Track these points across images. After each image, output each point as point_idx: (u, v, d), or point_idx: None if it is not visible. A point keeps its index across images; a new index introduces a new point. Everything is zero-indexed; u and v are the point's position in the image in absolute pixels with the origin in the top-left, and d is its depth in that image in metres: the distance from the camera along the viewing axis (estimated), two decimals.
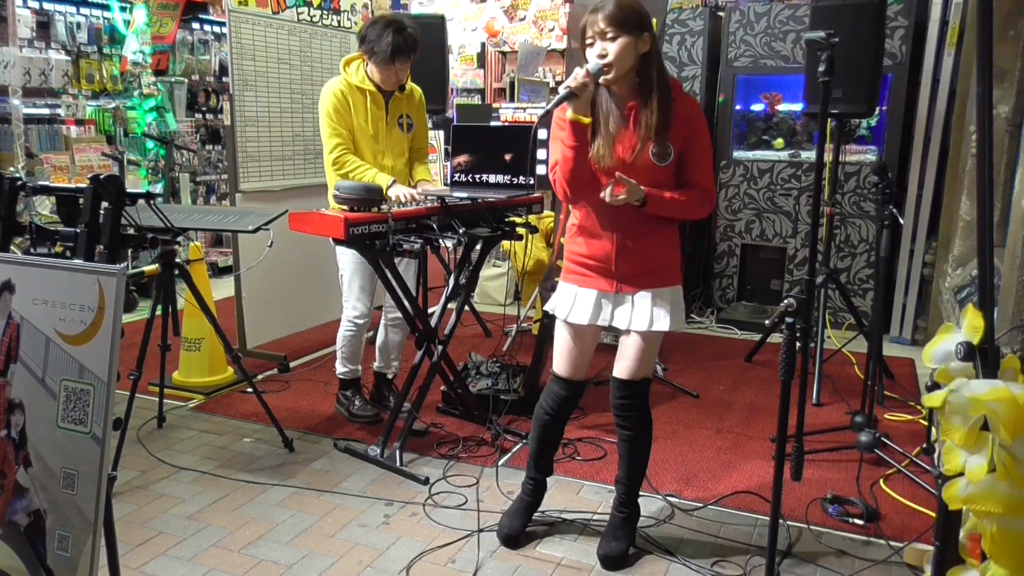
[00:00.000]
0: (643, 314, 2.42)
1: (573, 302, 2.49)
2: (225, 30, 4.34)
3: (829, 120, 4.35)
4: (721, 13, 5.61)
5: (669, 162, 2.36)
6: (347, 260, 3.44)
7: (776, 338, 4.79)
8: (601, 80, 2.28)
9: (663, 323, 2.41)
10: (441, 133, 8.34)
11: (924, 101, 4.98)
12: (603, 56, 2.26)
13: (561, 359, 2.57)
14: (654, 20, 4.25)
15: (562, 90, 2.26)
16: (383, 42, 3.26)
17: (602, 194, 2.33)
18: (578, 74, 2.24)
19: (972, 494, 1.28)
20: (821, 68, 2.10)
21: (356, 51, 3.48)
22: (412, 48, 3.34)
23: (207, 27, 7.15)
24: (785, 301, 1.95)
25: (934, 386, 1.37)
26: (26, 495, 1.76)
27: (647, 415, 2.52)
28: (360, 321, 3.52)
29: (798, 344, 2.11)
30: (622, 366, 2.48)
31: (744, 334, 5.24)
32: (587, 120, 2.30)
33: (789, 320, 1.93)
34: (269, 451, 3.35)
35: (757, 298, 5.63)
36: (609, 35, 2.25)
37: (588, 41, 2.30)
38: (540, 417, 2.64)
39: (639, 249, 2.41)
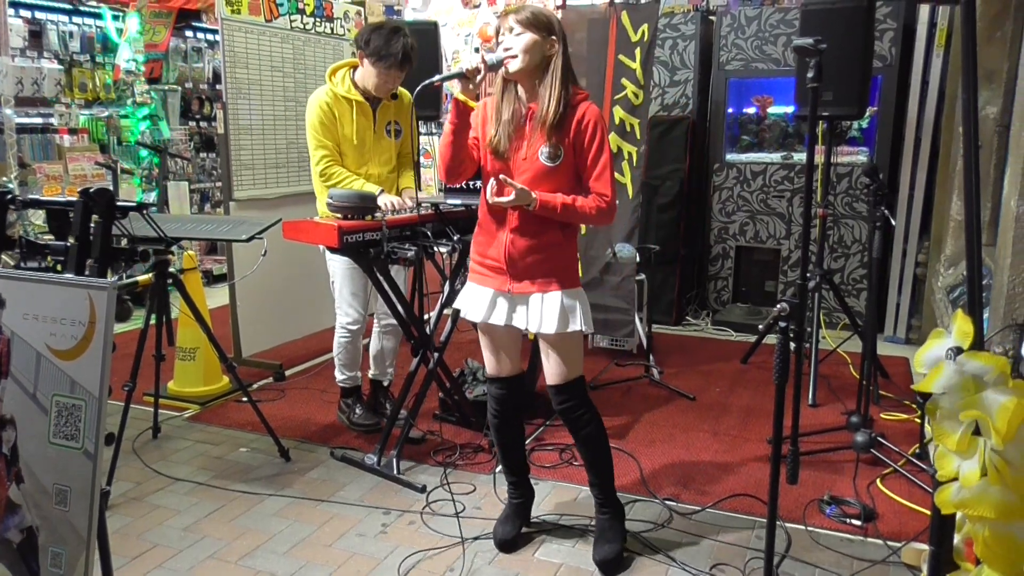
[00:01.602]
0: (535, 316, 2.44)
1: (471, 300, 2.54)
2: (218, 38, 4.33)
3: (820, 122, 4.35)
4: (712, 17, 5.61)
5: (559, 163, 2.38)
6: (336, 267, 3.43)
7: (772, 339, 4.79)
8: (505, 71, 2.37)
9: (550, 325, 2.41)
10: (436, 139, 8.34)
11: (914, 102, 4.99)
12: (508, 49, 2.35)
13: (486, 359, 2.64)
14: (645, 26, 4.28)
15: (455, 68, 2.35)
16: (394, 46, 3.24)
17: (488, 195, 2.38)
18: (471, 61, 2.33)
19: (965, 499, 1.28)
20: (810, 74, 2.10)
21: (347, 58, 3.47)
22: (413, 59, 3.35)
23: (200, 35, 7.15)
24: (778, 305, 1.94)
25: (926, 394, 1.37)
26: (18, 512, 1.74)
27: (591, 411, 2.53)
28: (354, 327, 3.51)
29: (792, 347, 2.11)
30: (548, 372, 2.51)
31: (740, 336, 5.23)
32: (472, 104, 2.41)
33: (782, 324, 1.92)
34: (265, 461, 3.34)
35: (752, 300, 5.63)
36: (516, 31, 2.35)
37: (500, 39, 2.39)
38: (491, 421, 2.70)
39: (530, 251, 2.43)
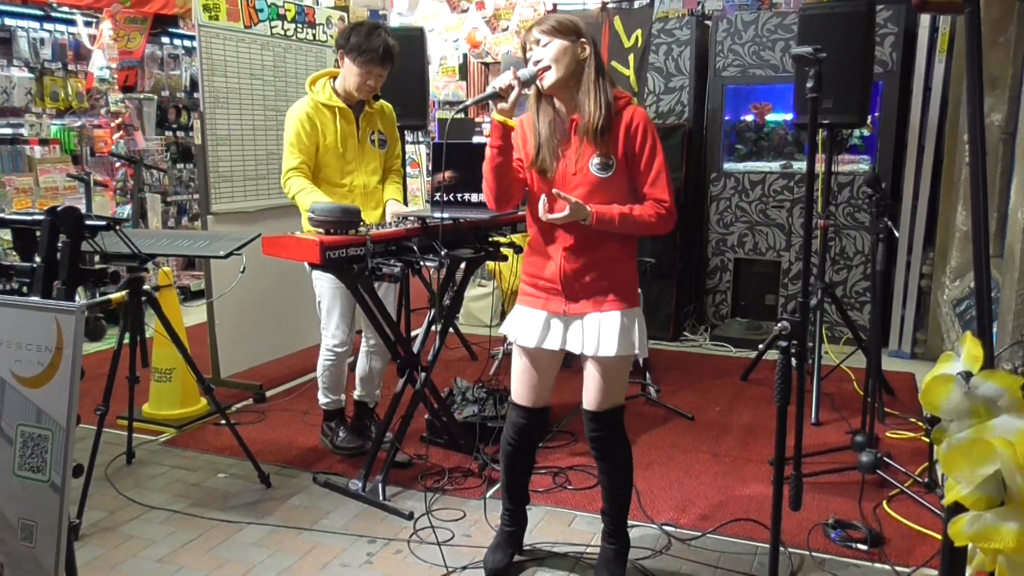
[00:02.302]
0: (592, 338, 2.40)
1: (522, 324, 2.49)
2: (195, 44, 4.31)
3: (820, 130, 4.36)
4: (708, 22, 5.64)
5: (612, 173, 2.36)
6: (324, 286, 3.41)
7: (773, 354, 4.78)
8: (541, 85, 2.35)
9: (610, 347, 2.37)
10: (423, 148, 8.34)
11: (916, 109, 5.02)
12: (538, 62, 2.33)
13: (518, 385, 2.56)
14: (638, 31, 4.29)
15: (489, 88, 2.32)
16: (374, 41, 3.26)
17: (540, 213, 2.35)
18: (504, 76, 2.31)
19: (979, 530, 1.26)
20: (810, 84, 2.10)
21: (329, 67, 3.47)
22: (395, 58, 3.36)
23: (177, 41, 7.13)
24: (779, 324, 1.93)
25: (934, 419, 1.35)
26: None
27: (624, 444, 2.50)
28: (340, 350, 3.49)
29: (794, 364, 2.10)
30: (588, 397, 2.46)
31: (739, 352, 5.23)
32: (512, 123, 2.36)
33: (783, 343, 1.91)
34: (244, 487, 3.30)
35: (752, 314, 5.63)
36: (543, 42, 2.34)
37: (528, 55, 2.37)
38: (504, 447, 2.64)
39: (587, 268, 2.41)
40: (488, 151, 2.37)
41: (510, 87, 2.30)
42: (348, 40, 3.29)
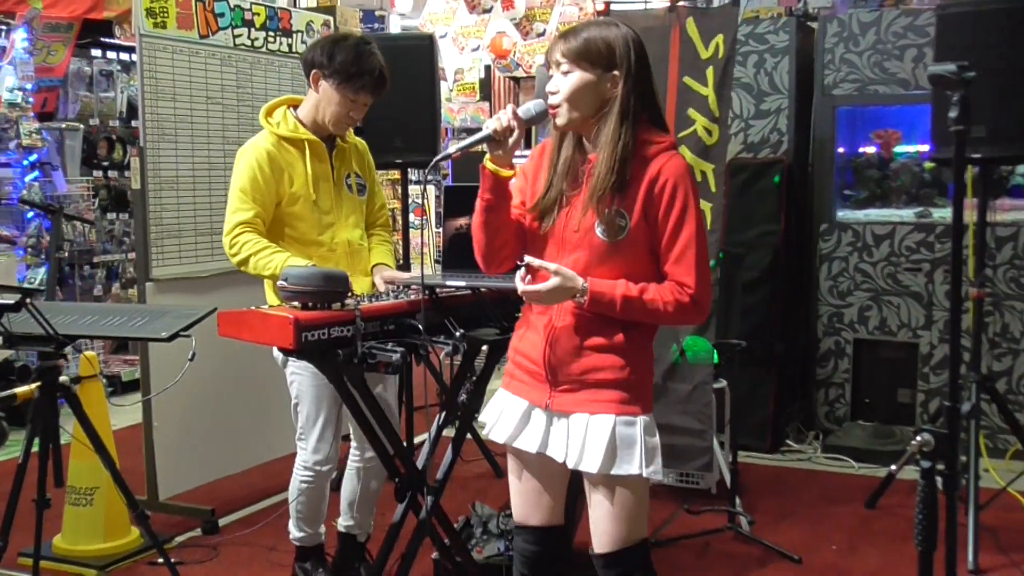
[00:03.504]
0: (575, 444, 2.42)
1: (500, 413, 2.55)
2: (135, 59, 4.45)
3: (970, 167, 4.37)
4: (813, 24, 5.73)
5: (623, 238, 2.39)
6: (304, 382, 3.44)
7: (911, 472, 4.71)
8: (555, 124, 2.43)
9: (593, 461, 2.38)
10: (431, 191, 8.46)
11: None
12: (552, 93, 2.41)
13: (516, 498, 2.62)
14: (719, 37, 4.36)
15: (484, 129, 2.39)
16: (367, 63, 3.34)
17: (516, 282, 2.40)
18: (502, 116, 2.37)
19: None
20: (953, 114, 2.11)
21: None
22: (389, 78, 3.45)
23: (111, 55, 7.33)
24: (918, 438, 1.92)
25: None
26: None
27: None
28: (323, 468, 3.50)
29: (941, 488, 2.08)
30: (593, 532, 2.49)
31: (863, 468, 5.16)
32: (507, 174, 2.43)
33: (925, 464, 1.90)
34: None
35: (879, 415, 5.56)
36: (563, 68, 2.41)
37: (550, 75, 2.46)
38: None
39: (579, 354, 2.44)
40: (477, 203, 2.47)
41: (508, 128, 2.37)
42: (330, 59, 3.35)
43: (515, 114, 2.38)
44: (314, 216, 3.46)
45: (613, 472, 2.40)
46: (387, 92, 3.50)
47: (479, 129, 2.66)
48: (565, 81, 2.40)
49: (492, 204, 2.44)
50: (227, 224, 3.38)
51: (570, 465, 2.44)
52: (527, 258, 2.40)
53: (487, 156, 2.42)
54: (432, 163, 2.60)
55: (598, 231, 2.40)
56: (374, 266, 3.62)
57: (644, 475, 2.41)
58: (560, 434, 2.47)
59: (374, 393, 3.22)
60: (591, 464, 2.40)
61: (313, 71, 3.40)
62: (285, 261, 3.27)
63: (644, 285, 2.39)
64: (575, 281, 2.36)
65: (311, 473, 3.50)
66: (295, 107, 3.52)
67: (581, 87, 2.39)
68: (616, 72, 2.40)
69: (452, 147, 2.51)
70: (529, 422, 2.51)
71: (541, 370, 2.48)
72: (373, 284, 3.54)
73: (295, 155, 3.43)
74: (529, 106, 2.41)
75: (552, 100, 2.41)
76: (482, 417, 2.65)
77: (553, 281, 2.35)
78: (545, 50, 9.62)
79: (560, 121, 2.42)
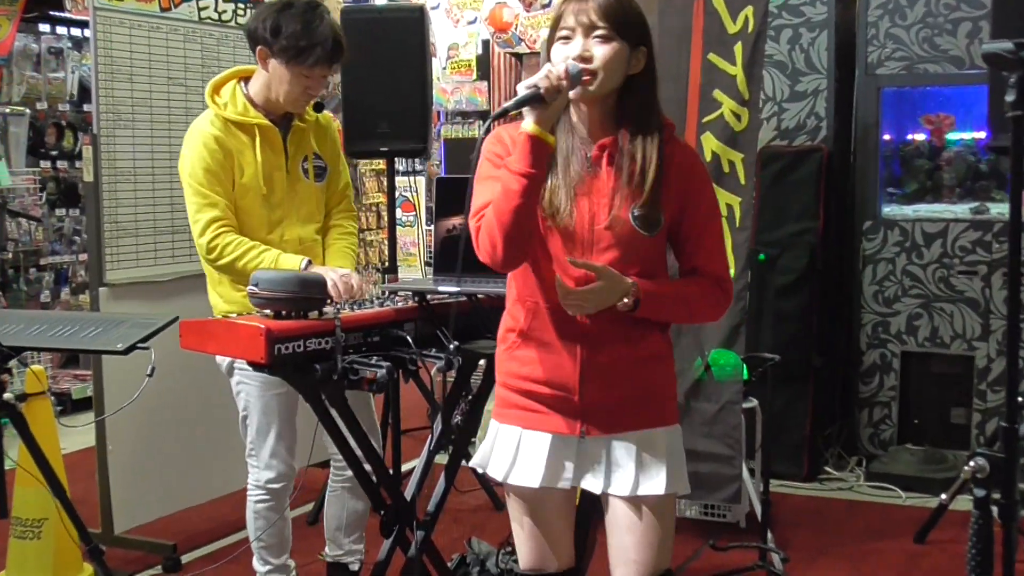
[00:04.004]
0: (626, 471, 2.43)
1: (516, 454, 2.51)
2: (88, 34, 4.45)
3: None
4: None
5: (658, 232, 2.42)
6: (251, 392, 3.46)
7: (965, 502, 4.71)
8: (572, 93, 2.36)
9: (656, 484, 2.42)
10: (422, 183, 8.46)
11: None
12: (585, 59, 2.35)
13: (524, 545, 2.62)
14: (749, 9, 4.37)
15: (523, 89, 2.31)
16: (319, 31, 3.32)
17: (560, 294, 2.36)
18: (551, 71, 2.30)
19: None
20: (1010, 97, 2.11)
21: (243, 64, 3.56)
22: (346, 46, 3.45)
23: (61, 30, 7.33)
24: (972, 462, 1.92)
25: None
26: None
27: None
28: (276, 486, 3.51)
29: (997, 518, 2.08)
30: (622, 559, 2.50)
31: (912, 498, 5.16)
32: (552, 140, 2.37)
33: (979, 492, 1.90)
34: None
35: (931, 438, 5.56)
36: (599, 32, 2.36)
37: (563, 34, 2.40)
38: None
39: (619, 369, 2.44)
40: (512, 181, 2.35)
41: (556, 86, 2.31)
42: (275, 34, 3.33)
43: (566, 71, 2.31)
44: (263, 212, 3.47)
45: (671, 491, 2.45)
46: (345, 60, 3.51)
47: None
48: (602, 48, 2.36)
49: (534, 179, 2.34)
50: (196, 225, 3.38)
51: (622, 493, 2.44)
52: (569, 259, 2.36)
53: (529, 121, 2.32)
54: (493, 117, 2.42)
55: (634, 223, 2.40)
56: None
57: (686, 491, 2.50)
58: (598, 463, 2.47)
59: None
60: (654, 486, 2.42)
61: (258, 48, 3.39)
62: (277, 259, 3.30)
63: (679, 281, 2.47)
64: (623, 283, 2.34)
65: (263, 492, 3.51)
66: (247, 79, 3.53)
67: (617, 58, 2.37)
68: (644, 48, 2.43)
69: (504, 106, 2.38)
70: (557, 456, 2.48)
71: (571, 395, 2.45)
72: None
73: (245, 142, 3.44)
74: (572, 64, 2.34)
75: (589, 66, 2.35)
76: (475, 461, 2.64)
77: (600, 284, 2.33)
78: (550, 23, 9.63)
79: (592, 88, 2.37)
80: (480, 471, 2.67)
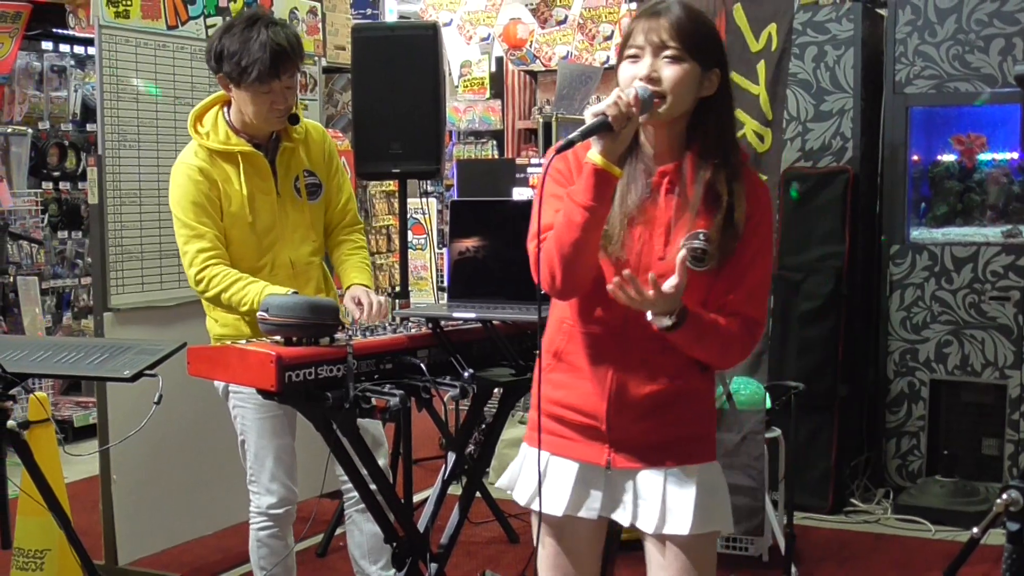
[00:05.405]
0: (653, 506, 2.43)
1: (542, 480, 2.49)
2: (93, 52, 4.47)
3: None
4: (882, 10, 5.72)
5: (708, 266, 2.37)
6: (248, 416, 3.48)
7: (998, 537, 4.68)
8: (641, 117, 2.32)
9: (681, 523, 2.40)
10: (433, 204, 8.47)
11: None
12: (653, 80, 2.32)
13: (542, 568, 2.60)
14: (772, 27, 4.38)
15: (591, 116, 2.27)
16: (253, 45, 3.33)
17: (609, 286, 2.29)
18: (620, 97, 2.26)
19: None
20: None
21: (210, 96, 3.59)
22: (298, 50, 3.45)
23: (64, 48, 7.34)
24: (1004, 495, 1.91)
25: None
26: None
27: None
28: (278, 511, 3.52)
29: None
30: None
31: (942, 532, 5.13)
32: (619, 172, 2.32)
33: (1013, 526, 1.89)
34: None
35: (962, 470, 5.52)
36: (669, 53, 2.33)
37: (631, 52, 2.37)
38: None
39: (650, 401, 2.43)
40: (575, 213, 2.32)
41: (626, 114, 2.26)
42: (219, 60, 3.38)
43: (636, 96, 2.27)
44: (252, 239, 3.51)
45: (703, 531, 2.43)
46: (302, 61, 3.53)
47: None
48: (672, 69, 2.32)
49: (600, 213, 2.32)
50: (186, 257, 3.44)
51: (647, 529, 2.44)
52: (626, 272, 2.26)
53: (595, 151, 2.28)
54: (563, 143, 2.30)
55: (690, 260, 2.33)
56: (348, 287, 3.63)
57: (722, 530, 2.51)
58: (625, 495, 2.47)
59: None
60: (680, 525, 2.41)
61: (216, 76, 3.46)
62: (262, 292, 3.30)
63: (718, 316, 2.40)
64: (676, 297, 2.27)
65: (266, 519, 3.53)
66: (228, 105, 3.55)
67: (687, 80, 2.34)
68: (718, 70, 2.40)
69: (572, 135, 2.29)
70: (584, 485, 2.48)
71: (599, 423, 2.45)
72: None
73: (229, 171, 3.48)
74: (642, 87, 2.29)
75: (659, 88, 2.31)
76: (502, 483, 2.65)
77: (655, 291, 2.23)
78: (567, 40, 9.64)
79: (661, 111, 2.32)
80: (508, 493, 2.66)
